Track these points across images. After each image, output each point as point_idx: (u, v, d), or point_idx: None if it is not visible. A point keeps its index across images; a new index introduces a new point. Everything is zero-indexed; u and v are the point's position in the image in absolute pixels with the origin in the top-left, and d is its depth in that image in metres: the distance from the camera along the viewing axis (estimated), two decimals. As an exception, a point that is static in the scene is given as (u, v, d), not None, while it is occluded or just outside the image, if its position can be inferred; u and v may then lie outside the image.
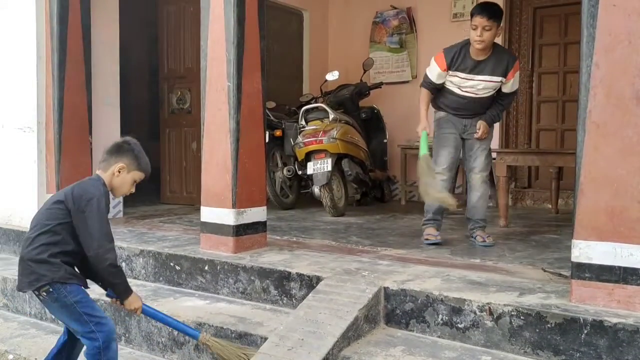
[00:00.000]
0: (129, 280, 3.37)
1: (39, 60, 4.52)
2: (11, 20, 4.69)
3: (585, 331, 2.29)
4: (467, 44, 3.76)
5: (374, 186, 6.33)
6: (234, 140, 3.53)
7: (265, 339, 2.60)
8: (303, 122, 5.55)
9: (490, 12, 3.63)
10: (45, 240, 2.34)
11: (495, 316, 2.49)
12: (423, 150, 3.66)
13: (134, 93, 6.85)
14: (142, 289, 3.50)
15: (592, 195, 2.41)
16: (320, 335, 2.49)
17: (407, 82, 6.93)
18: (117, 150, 2.50)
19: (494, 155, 5.17)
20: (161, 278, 3.60)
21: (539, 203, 6.19)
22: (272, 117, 5.65)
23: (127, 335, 3.18)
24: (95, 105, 4.74)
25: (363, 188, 5.95)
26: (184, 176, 6.10)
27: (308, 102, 6.01)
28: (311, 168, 5.23)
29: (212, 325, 2.86)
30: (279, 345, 2.48)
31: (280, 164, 5.83)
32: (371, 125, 6.30)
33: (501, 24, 3.71)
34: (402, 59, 6.97)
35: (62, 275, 2.34)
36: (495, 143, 6.25)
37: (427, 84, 3.93)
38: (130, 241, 3.92)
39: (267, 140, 4.04)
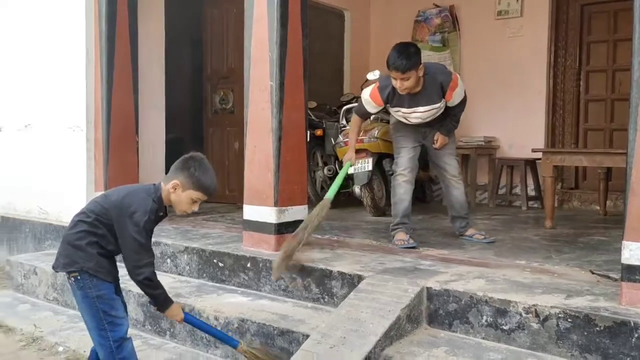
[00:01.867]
0: (174, 276, 3.48)
1: (88, 61, 4.65)
2: (61, 22, 4.84)
3: (636, 335, 2.22)
4: (391, 85, 3.71)
5: (416, 186, 6.25)
6: (276, 139, 3.56)
7: (307, 336, 2.62)
8: (344, 122, 5.55)
9: (402, 66, 3.52)
10: (86, 228, 2.40)
11: (541, 318, 2.44)
12: (331, 192, 3.58)
13: (178, 93, 6.97)
14: (186, 285, 3.57)
15: (645, 195, 2.34)
16: (363, 334, 2.49)
17: (450, 81, 6.84)
18: (177, 166, 2.47)
19: (539, 155, 5.08)
20: (205, 274, 3.66)
21: (586, 204, 6.03)
22: (313, 117, 5.67)
23: (171, 330, 3.25)
24: (142, 105, 4.85)
25: (404, 188, 5.90)
26: (227, 175, 6.17)
27: (349, 102, 6.00)
28: (352, 167, 5.21)
29: (255, 322, 2.89)
30: (321, 342, 2.49)
31: (320, 163, 5.85)
32: (413, 124, 6.24)
33: (421, 62, 3.60)
34: (445, 57, 6.88)
35: (92, 267, 2.38)
36: (540, 143, 6.13)
37: (362, 114, 3.98)
38: (175, 238, 4.00)
39: (308, 139, 4.06)
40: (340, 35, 7.36)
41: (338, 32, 7.34)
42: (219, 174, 6.56)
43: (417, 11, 7.09)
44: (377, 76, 5.95)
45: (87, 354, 3.09)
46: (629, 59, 2.42)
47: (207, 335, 3.04)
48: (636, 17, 2.35)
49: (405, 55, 3.55)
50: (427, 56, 6.96)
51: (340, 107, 5.87)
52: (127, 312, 2.61)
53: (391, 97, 3.76)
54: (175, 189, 2.42)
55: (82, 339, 3.32)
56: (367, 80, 6.06)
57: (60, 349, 3.27)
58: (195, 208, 2.49)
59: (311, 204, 4.25)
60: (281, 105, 3.55)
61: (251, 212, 3.68)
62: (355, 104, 5.66)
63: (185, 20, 7.28)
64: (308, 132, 4.29)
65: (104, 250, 2.44)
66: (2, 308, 3.99)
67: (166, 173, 2.57)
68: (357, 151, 5.20)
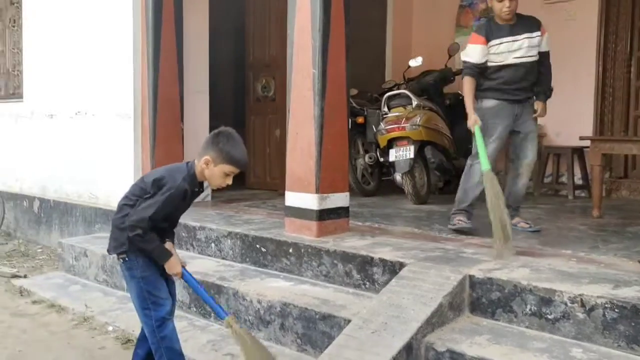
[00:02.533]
0: (218, 260, 3.55)
1: (135, 50, 4.76)
2: (110, 13, 4.98)
3: (688, 328, 2.17)
4: (489, 19, 3.87)
5: (458, 174, 6.18)
6: (318, 127, 3.58)
7: (349, 321, 2.65)
8: (385, 109, 5.52)
9: None
10: (128, 211, 2.48)
11: (587, 308, 2.40)
12: (484, 165, 3.47)
13: (221, 81, 7.07)
14: (230, 269, 3.65)
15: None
16: (404, 320, 2.50)
17: (494, 67, 6.71)
18: (208, 142, 2.49)
19: (587, 143, 4.95)
20: (248, 259, 3.73)
21: (635, 194, 5.85)
22: (354, 104, 5.66)
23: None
24: (187, 93, 4.95)
25: (446, 176, 5.84)
26: (268, 162, 6.24)
27: (390, 89, 5.95)
28: (393, 155, 5.20)
29: (297, 306, 2.94)
30: (363, 328, 2.51)
31: (362, 151, 5.84)
32: (456, 112, 6.11)
33: None
34: (489, 43, 6.75)
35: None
36: (589, 130, 5.97)
37: (470, 69, 3.84)
38: (218, 223, 4.08)
39: (349, 127, 4.06)
40: (382, 21, 7.30)
41: (380, 18, 7.28)
42: (260, 161, 6.69)
43: (461, -4, 6.97)
44: (420, 63, 5.90)
45: (136, 333, 3.20)
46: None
47: (250, 317, 3.11)
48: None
49: None
50: (471, 42, 6.86)
51: (382, 94, 5.84)
52: (174, 293, 2.68)
53: (490, 32, 3.79)
54: (207, 164, 2.45)
55: (131, 319, 3.44)
56: (409, 67, 6.03)
57: (110, 328, 3.40)
58: (229, 181, 2.52)
59: (352, 192, 4.27)
60: (323, 92, 3.57)
61: (293, 198, 3.72)
62: (396, 91, 5.65)
63: (228, 9, 7.36)
64: (349, 119, 4.30)
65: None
66: (54, 288, 4.17)
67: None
68: (399, 139, 5.20)
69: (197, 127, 5.13)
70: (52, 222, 5.59)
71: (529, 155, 3.91)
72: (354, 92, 5.79)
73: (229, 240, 3.85)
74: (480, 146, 3.60)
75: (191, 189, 2.49)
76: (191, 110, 5.06)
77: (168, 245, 2.55)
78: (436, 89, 6.00)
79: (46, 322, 3.58)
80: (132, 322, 3.38)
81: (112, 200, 4.94)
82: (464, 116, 6.20)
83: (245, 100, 6.50)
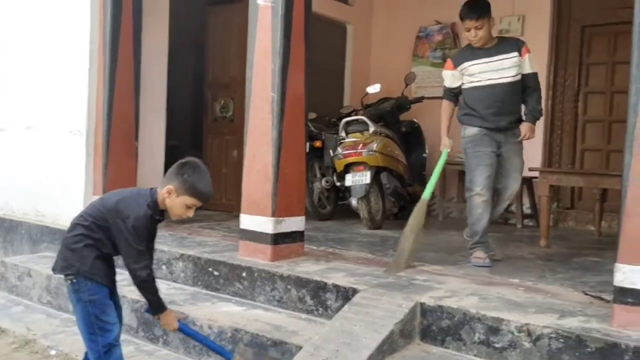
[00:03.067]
0: (169, 283, 3.48)
1: (91, 65, 4.67)
2: (66, 26, 4.87)
3: (627, 357, 2.24)
4: (468, 45, 3.94)
5: (412, 201, 6.28)
6: (276, 150, 3.58)
7: (300, 347, 2.63)
8: (343, 134, 5.58)
9: (476, 12, 3.75)
10: (83, 232, 2.42)
11: (533, 337, 2.45)
12: (426, 193, 3.72)
13: (180, 100, 7.00)
14: (180, 293, 3.57)
15: (638, 218, 2.36)
16: (355, 347, 2.50)
17: (449, 97, 6.89)
18: (172, 171, 2.46)
19: (536, 174, 5.11)
20: (200, 282, 3.67)
21: (581, 225, 6.05)
22: (312, 128, 5.70)
23: (164, 337, 3.25)
24: (143, 111, 4.87)
25: (401, 202, 5.93)
26: (224, 183, 6.18)
27: (349, 114, 6.03)
28: (350, 180, 5.25)
29: (248, 332, 2.90)
30: (314, 354, 2.50)
31: (318, 175, 5.87)
32: (411, 139, 6.28)
33: (491, 15, 3.80)
34: (445, 74, 6.93)
35: (88, 270, 2.40)
36: (537, 162, 6.16)
37: (445, 93, 4.04)
38: (171, 245, 4.00)
39: (307, 150, 4.08)
40: (342, 48, 7.41)
41: (340, 44, 7.39)
42: (216, 182, 6.57)
43: (418, 27, 7.15)
44: (377, 90, 6.01)
45: (79, 358, 3.10)
46: (627, 81, 2.45)
47: (199, 343, 3.04)
48: (635, 43, 2.39)
49: (474, 3, 3.78)
50: (428, 72, 7.03)
51: (340, 119, 5.90)
52: (121, 317, 2.61)
53: (462, 56, 3.89)
54: (170, 194, 2.42)
55: (75, 343, 3.32)
56: (367, 93, 6.13)
57: (53, 352, 3.27)
58: (190, 214, 2.48)
59: (308, 215, 4.27)
60: (282, 116, 3.58)
61: (248, 221, 3.69)
62: (355, 117, 5.72)
63: (189, 28, 7.32)
64: (307, 143, 4.33)
65: (101, 253, 2.45)
66: (-5, 309, 3.99)
67: (164, 179, 2.58)
68: (355, 164, 5.26)
69: (153, 146, 5.06)
70: (-5, 240, 5.38)
71: (511, 186, 3.91)
72: (312, 116, 5.84)
73: (181, 263, 3.78)
74: (436, 173, 3.68)
75: (153, 217, 2.44)
76: (147, 128, 4.98)
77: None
78: (393, 116, 6.11)
79: (-16, 345, 3.42)
80: (76, 346, 3.26)
81: (60, 219, 4.81)
82: (419, 144, 6.38)
83: (203, 119, 6.45)
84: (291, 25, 3.60)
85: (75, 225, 2.47)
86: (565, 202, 6.30)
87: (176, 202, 2.42)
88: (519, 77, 3.82)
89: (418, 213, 3.68)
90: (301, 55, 3.70)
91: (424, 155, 6.35)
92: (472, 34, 3.76)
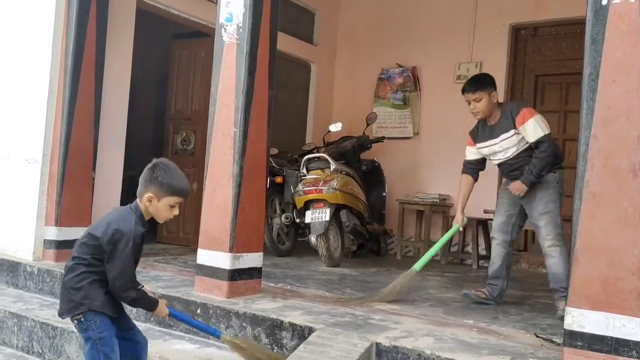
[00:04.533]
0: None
1: (50, 93, 4.59)
2: (25, 53, 4.79)
3: (576, 401, 2.28)
4: (477, 121, 3.97)
5: (371, 239, 6.34)
6: (236, 185, 3.57)
7: (254, 388, 2.57)
8: (304, 171, 5.62)
9: (474, 86, 3.85)
10: (85, 269, 2.40)
11: (486, 380, 2.47)
12: (417, 266, 3.87)
13: (140, 131, 6.94)
14: (132, 329, 3.46)
15: (587, 263, 2.44)
16: (310, 388, 2.47)
17: (409, 138, 7.06)
18: (145, 178, 2.46)
19: (491, 216, 5.21)
20: (152, 319, 3.57)
21: (534, 267, 6.19)
22: (274, 164, 5.72)
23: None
24: (102, 141, 4.80)
25: (360, 240, 5.97)
26: (182, 217, 6.10)
27: (310, 151, 6.09)
28: (309, 217, 5.26)
29: (201, 371, 2.83)
30: (268, 395, 2.45)
31: (278, 211, 5.86)
32: (371, 178, 6.36)
33: (494, 89, 3.87)
34: (405, 115, 7.11)
35: (99, 305, 2.40)
36: (492, 204, 6.30)
37: (465, 165, 4.11)
38: (124, 279, 3.89)
39: (267, 186, 4.08)
40: (305, 86, 7.53)
41: (304, 82, 7.51)
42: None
43: (380, 69, 7.33)
44: (339, 128, 6.10)
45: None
46: (577, 130, 2.56)
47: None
48: (584, 93, 2.50)
49: (475, 78, 3.90)
50: (389, 112, 7.20)
51: (302, 155, 5.95)
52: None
53: (476, 132, 3.95)
54: (151, 201, 2.43)
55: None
56: (329, 131, 6.21)
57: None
58: (176, 212, 2.51)
59: (266, 251, 4.25)
60: (243, 151, 3.59)
61: (205, 256, 3.64)
62: (316, 154, 5.77)
63: (153, 60, 7.33)
64: (268, 178, 4.33)
65: (107, 285, 2.42)
66: None
67: (121, 210, 2.57)
68: (315, 201, 5.28)
69: (110, 177, 4.98)
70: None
71: (540, 231, 3.76)
72: (274, 151, 5.87)
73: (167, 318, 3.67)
74: (437, 245, 3.78)
75: (144, 229, 2.46)
76: (105, 159, 4.90)
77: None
78: (354, 154, 6.20)
79: None
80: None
81: (9, 249, 4.65)
82: (379, 182, 6.46)
83: (163, 152, 6.40)
84: (256, 62, 3.64)
85: (73, 266, 2.42)
86: (519, 245, 6.44)
87: (159, 206, 2.45)
88: (525, 146, 3.79)
89: (402, 281, 3.84)
90: (265, 93, 3.74)
91: (384, 194, 6.44)
92: (471, 106, 3.85)
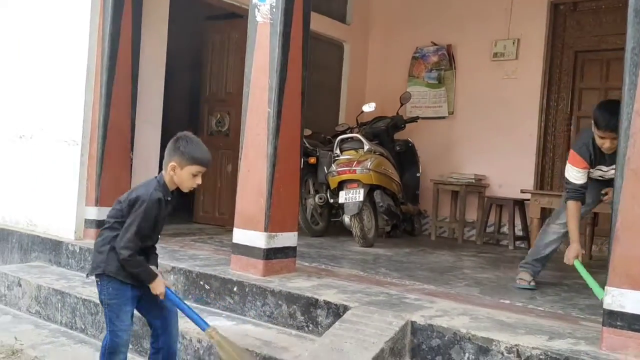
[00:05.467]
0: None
1: (88, 76, 4.67)
2: (64, 37, 4.88)
3: (616, 381, 2.25)
4: (591, 139, 3.51)
5: (405, 219, 6.33)
6: (271, 165, 3.60)
7: (290, 364, 2.62)
8: (338, 151, 5.61)
9: (616, 124, 3.15)
10: (108, 234, 2.58)
11: (523, 358, 2.45)
12: (600, 293, 3.08)
13: (175, 113, 7.03)
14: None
15: (628, 242, 2.39)
16: (345, 365, 2.50)
17: (444, 117, 6.97)
18: (169, 149, 2.62)
19: (528, 196, 5.13)
20: (190, 296, 3.65)
21: (572, 247, 6.07)
22: (307, 145, 5.73)
23: (153, 350, 3.23)
24: (138, 123, 4.88)
25: (394, 220, 5.95)
26: (218, 197, 6.20)
27: (344, 132, 6.08)
28: (343, 197, 5.26)
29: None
30: (303, 371, 2.49)
31: (312, 191, 5.89)
32: (405, 158, 6.33)
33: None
34: (440, 94, 7.01)
35: (114, 270, 2.54)
36: (530, 184, 6.22)
37: (575, 191, 3.59)
38: (162, 257, 3.95)
39: (301, 167, 4.10)
40: (338, 66, 7.48)
41: (336, 63, 7.47)
42: (209, 196, 6.62)
43: (415, 47, 7.23)
44: (373, 108, 6.06)
45: (67, 369, 3.08)
46: (619, 107, 2.50)
47: (188, 357, 3.03)
48: (626, 69, 2.43)
49: (615, 112, 3.17)
50: (423, 92, 7.12)
51: (335, 136, 5.94)
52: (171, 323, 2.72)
53: (593, 158, 3.53)
54: (174, 170, 2.58)
55: (63, 354, 3.31)
56: (362, 112, 6.18)
57: (39, 363, 3.24)
58: (199, 181, 2.63)
59: (300, 232, 4.28)
60: (277, 132, 3.60)
61: (241, 235, 3.69)
62: (349, 135, 5.76)
63: (187, 43, 7.39)
64: (302, 159, 4.34)
65: None
66: (-18, 318, 3.95)
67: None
68: (349, 181, 5.28)
69: (147, 158, 5.06)
70: (-16, 248, 5.34)
71: None
72: (307, 132, 5.88)
73: (172, 276, 3.77)
74: (587, 277, 3.32)
75: (164, 198, 2.57)
76: (142, 140, 4.99)
77: (152, 267, 2.64)
78: (387, 134, 6.16)
79: (-30, 354, 3.38)
80: (62, 357, 3.25)
81: (52, 229, 4.79)
82: (413, 163, 6.42)
83: (198, 133, 6.46)
84: (289, 42, 3.64)
85: (102, 231, 2.64)
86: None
87: (182, 174, 2.58)
88: None
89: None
90: (298, 73, 3.73)
91: (418, 174, 6.40)
92: (606, 144, 3.37)
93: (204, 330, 2.67)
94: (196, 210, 6.37)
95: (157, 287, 2.60)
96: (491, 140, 6.52)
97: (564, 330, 2.72)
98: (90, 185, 4.65)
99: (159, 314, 2.70)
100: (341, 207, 5.40)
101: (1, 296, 4.28)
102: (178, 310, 2.73)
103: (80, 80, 4.71)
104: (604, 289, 2.49)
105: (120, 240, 2.50)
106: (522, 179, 6.21)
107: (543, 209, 4.88)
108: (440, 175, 6.65)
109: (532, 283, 3.79)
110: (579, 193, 3.59)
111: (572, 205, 3.59)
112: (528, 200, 5.51)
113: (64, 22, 4.91)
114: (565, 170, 3.68)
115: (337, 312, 3.01)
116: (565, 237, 3.81)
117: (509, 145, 6.43)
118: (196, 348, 3.02)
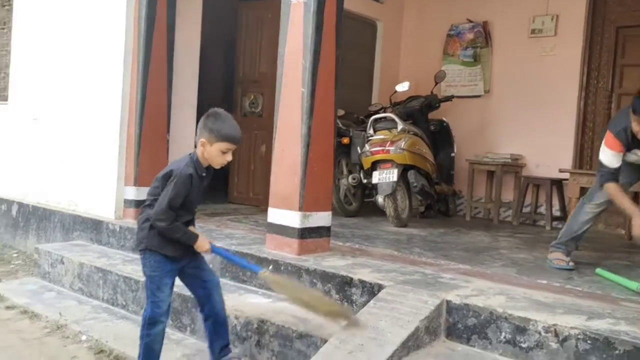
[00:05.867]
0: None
1: (125, 57, 4.75)
2: (102, 21, 4.98)
3: (657, 362, 2.21)
4: (628, 126, 3.50)
5: (439, 199, 6.27)
6: (305, 145, 3.61)
7: (326, 341, 2.65)
8: (371, 131, 5.58)
9: None
10: (148, 211, 2.66)
11: (560, 338, 2.44)
12: (630, 285, 3.21)
13: (210, 95, 7.08)
14: (208, 283, 3.62)
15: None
16: (381, 342, 2.52)
17: (479, 96, 6.85)
18: (200, 126, 2.66)
19: (566, 175, 5.02)
20: (227, 274, 3.72)
21: (611, 228, 5.95)
22: (340, 125, 5.71)
23: (192, 326, 3.32)
24: (175, 104, 4.95)
25: (428, 200, 5.91)
26: (252, 178, 6.25)
27: (377, 112, 6.04)
28: (376, 177, 5.25)
29: (274, 324, 2.94)
30: (339, 348, 2.52)
31: (345, 172, 5.88)
32: (440, 138, 6.26)
33: None
34: (476, 73, 6.89)
35: (156, 244, 2.64)
36: (568, 163, 6.09)
37: (610, 174, 3.59)
38: (199, 236, 4.06)
39: (334, 147, 4.09)
40: (371, 45, 7.41)
41: (370, 42, 7.39)
42: (244, 176, 6.68)
43: (449, 25, 7.11)
44: (406, 88, 6.00)
45: (109, 344, 3.20)
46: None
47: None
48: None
49: None
50: (458, 70, 7.00)
51: (368, 116, 5.91)
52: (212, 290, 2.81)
53: (630, 141, 3.54)
54: (204, 146, 2.62)
55: (105, 329, 3.42)
56: (396, 91, 6.12)
57: (84, 337, 3.35)
58: (229, 158, 2.66)
59: (334, 212, 4.29)
60: (311, 112, 3.61)
61: (276, 215, 3.73)
62: (382, 114, 5.71)
63: (221, 24, 7.41)
64: (335, 139, 4.34)
65: None
66: (28, 295, 4.11)
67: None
68: (383, 161, 5.26)
69: (183, 138, 5.12)
70: (29, 228, 5.52)
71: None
72: (340, 112, 5.85)
73: (209, 255, 3.82)
74: (614, 278, 3.38)
75: (197, 174, 2.63)
76: (178, 121, 5.05)
77: (191, 229, 2.73)
78: (421, 114, 6.09)
79: (18, 329, 3.52)
80: (105, 332, 3.36)
81: (93, 208, 4.92)
82: (448, 143, 6.34)
83: (232, 114, 6.50)
84: (323, 21, 3.62)
85: (143, 208, 2.72)
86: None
87: (212, 150, 2.61)
88: None
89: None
90: (332, 52, 3.72)
91: (453, 154, 6.33)
92: None
93: (257, 272, 2.83)
94: (231, 190, 6.45)
95: (202, 245, 2.70)
96: (528, 119, 6.39)
97: (603, 310, 2.69)
98: (129, 166, 4.75)
99: (200, 284, 2.80)
100: (375, 187, 5.38)
101: (45, 273, 4.43)
102: (219, 280, 2.87)
103: (118, 63, 4.79)
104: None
105: (154, 213, 2.58)
106: (560, 158, 6.08)
107: (582, 189, 4.78)
108: (476, 155, 6.56)
109: (571, 263, 3.73)
110: (613, 176, 3.58)
111: (613, 186, 3.56)
112: (566, 180, 5.40)
113: (101, 6, 4.99)
114: (601, 151, 3.64)
115: (371, 290, 3.03)
116: (599, 217, 3.76)
117: (546, 124, 6.29)
118: (233, 324, 3.08)
